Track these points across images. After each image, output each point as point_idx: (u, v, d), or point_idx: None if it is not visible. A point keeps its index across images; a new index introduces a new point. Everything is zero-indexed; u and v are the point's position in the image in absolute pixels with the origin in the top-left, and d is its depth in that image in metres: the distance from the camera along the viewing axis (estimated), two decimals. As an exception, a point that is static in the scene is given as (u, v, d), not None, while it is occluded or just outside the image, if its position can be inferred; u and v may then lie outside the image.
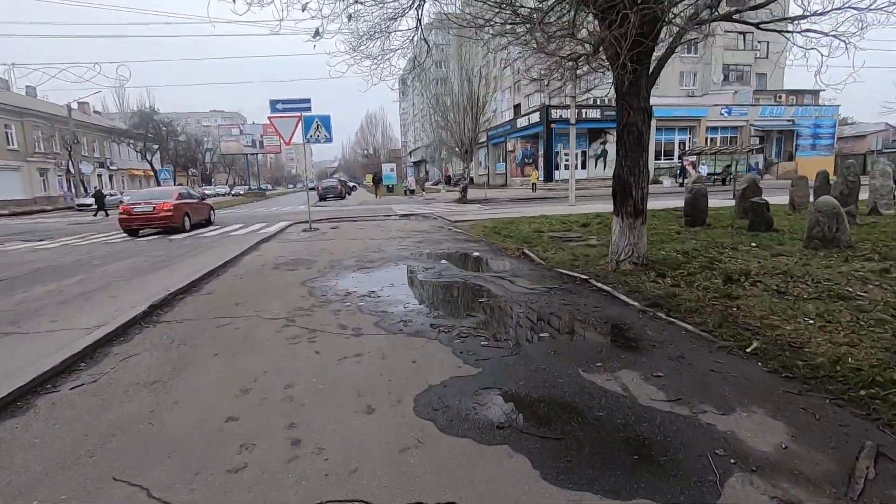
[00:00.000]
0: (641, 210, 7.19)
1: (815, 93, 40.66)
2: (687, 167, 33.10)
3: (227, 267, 8.60)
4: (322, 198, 36.52)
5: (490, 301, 5.71)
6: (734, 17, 7.36)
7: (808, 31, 6.46)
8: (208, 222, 18.69)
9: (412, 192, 37.73)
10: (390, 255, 9.21)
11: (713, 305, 5.14)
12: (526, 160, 42.20)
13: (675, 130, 38.33)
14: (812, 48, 6.32)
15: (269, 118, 13.52)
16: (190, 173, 75.22)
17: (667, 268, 6.95)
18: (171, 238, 14.25)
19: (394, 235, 12.67)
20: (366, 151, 76.92)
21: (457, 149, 28.29)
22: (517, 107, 54.87)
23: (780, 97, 39.96)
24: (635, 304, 5.30)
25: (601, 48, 7.36)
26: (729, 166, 33.93)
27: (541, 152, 40.23)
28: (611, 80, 7.58)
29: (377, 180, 41.93)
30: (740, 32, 41.69)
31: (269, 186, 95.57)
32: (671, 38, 7.12)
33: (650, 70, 7.04)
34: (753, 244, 8.72)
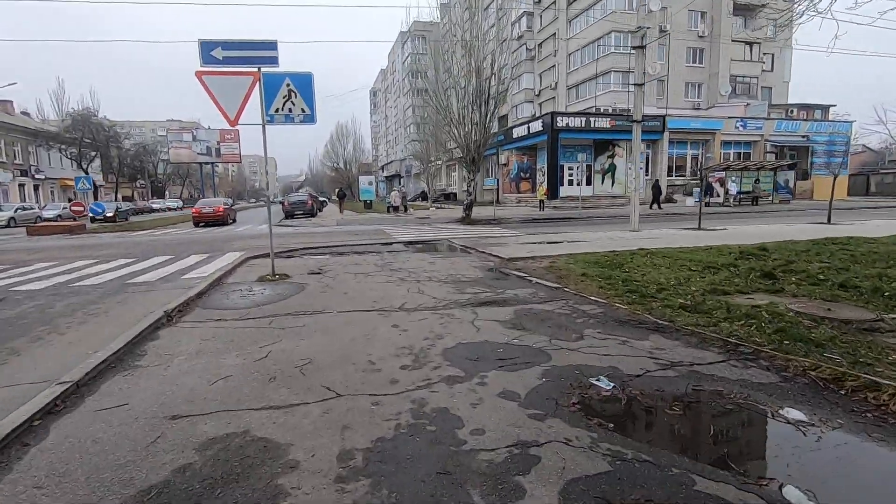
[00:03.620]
0: None
1: (826, 108, 37.22)
2: (714, 184, 28.26)
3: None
4: (289, 214, 29.60)
5: None
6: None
7: None
8: (234, 220, 27.33)
9: (396, 209, 31.35)
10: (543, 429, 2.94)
11: None
12: (522, 175, 36.66)
13: (687, 144, 33.74)
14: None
15: (200, 75, 7.03)
16: (138, 185, 66.14)
17: None
18: None
19: (442, 297, 6.35)
20: (336, 165, 69.98)
21: (443, 154, 22.44)
22: (503, 118, 49.62)
23: (791, 111, 36.17)
24: None
25: None
26: (758, 182, 29.41)
27: (540, 166, 34.84)
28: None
29: (341, 195, 37.74)
30: (746, 43, 37.98)
31: (230, 200, 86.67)
32: None
33: None
34: None
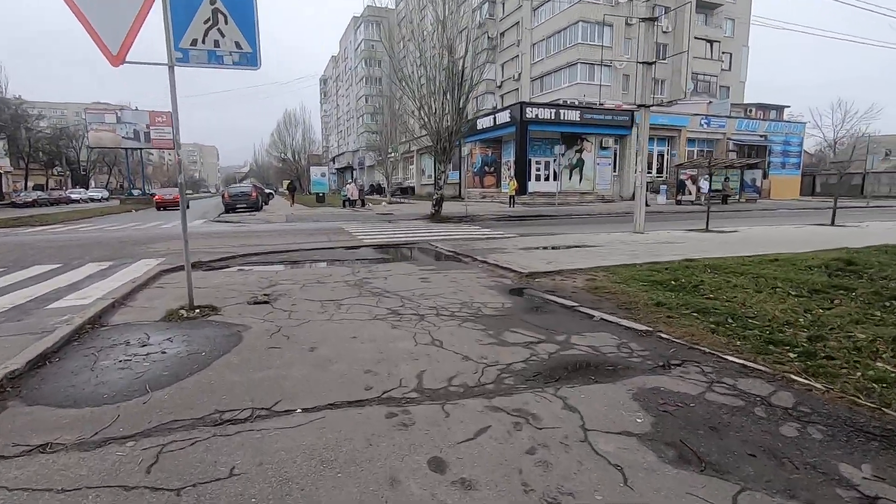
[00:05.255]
0: None
1: (780, 108, 37.45)
2: (686, 182, 27.16)
3: None
4: (230, 208, 25.71)
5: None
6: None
7: None
8: (188, 207, 30.57)
9: (352, 203, 28.17)
10: None
11: None
12: (486, 168, 34.39)
13: (654, 140, 32.65)
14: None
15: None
16: (55, 172, 58.44)
17: None
18: None
19: (477, 353, 3.71)
20: (283, 155, 64.91)
21: (401, 145, 19.72)
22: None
23: (750, 111, 36.05)
24: None
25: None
26: (727, 180, 28.66)
27: (505, 159, 32.72)
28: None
29: (292, 188, 35.08)
30: (707, 41, 37.54)
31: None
32: None
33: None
34: None
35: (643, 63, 12.37)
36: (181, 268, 7.93)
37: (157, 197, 31.82)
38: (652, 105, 12.63)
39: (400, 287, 6.32)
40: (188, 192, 39.00)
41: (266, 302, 5.39)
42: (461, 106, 18.65)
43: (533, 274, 7.05)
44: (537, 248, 9.97)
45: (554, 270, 7.23)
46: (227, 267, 8.30)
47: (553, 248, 10.00)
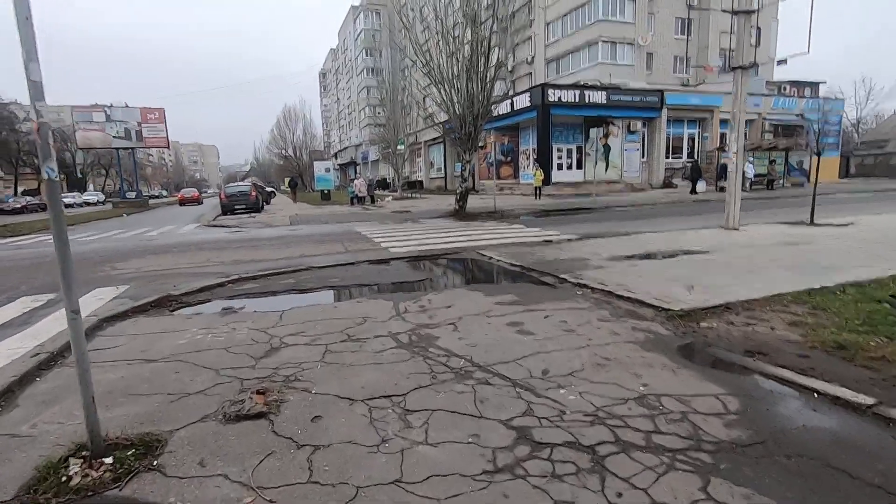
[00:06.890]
0: None
1: (815, 85, 34.37)
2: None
3: None
4: (228, 210, 22.94)
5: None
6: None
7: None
8: (202, 203, 37.11)
9: (361, 200, 25.39)
10: None
11: None
12: (503, 158, 31.54)
13: (684, 123, 29.80)
14: None
15: None
16: (49, 176, 55.57)
17: None
18: None
19: None
20: (284, 151, 62.06)
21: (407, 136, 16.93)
22: (472, 98, 44.17)
23: (784, 88, 33.02)
24: None
25: None
26: (773, 163, 25.84)
27: (524, 147, 29.94)
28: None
29: (294, 184, 35.30)
30: (735, 13, 34.30)
31: (164, 193, 75.87)
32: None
33: None
34: None
35: (742, 12, 9.58)
36: (143, 309, 5.29)
37: (179, 196, 37.58)
38: (751, 66, 9.89)
39: (491, 352, 3.61)
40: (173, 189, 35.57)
41: (262, 415, 2.68)
42: (488, 84, 15.77)
43: (689, 313, 4.33)
44: (629, 256, 7.25)
45: (719, 304, 4.50)
46: (208, 302, 5.62)
47: (647, 256, 7.30)
